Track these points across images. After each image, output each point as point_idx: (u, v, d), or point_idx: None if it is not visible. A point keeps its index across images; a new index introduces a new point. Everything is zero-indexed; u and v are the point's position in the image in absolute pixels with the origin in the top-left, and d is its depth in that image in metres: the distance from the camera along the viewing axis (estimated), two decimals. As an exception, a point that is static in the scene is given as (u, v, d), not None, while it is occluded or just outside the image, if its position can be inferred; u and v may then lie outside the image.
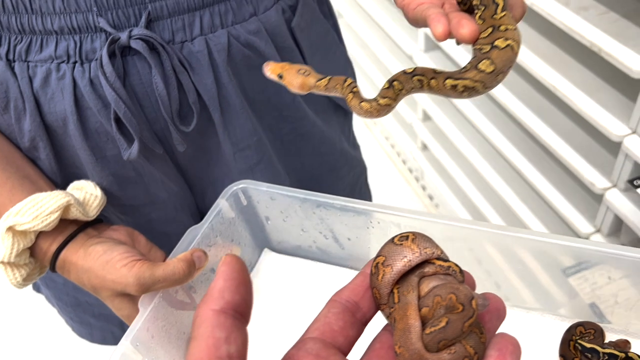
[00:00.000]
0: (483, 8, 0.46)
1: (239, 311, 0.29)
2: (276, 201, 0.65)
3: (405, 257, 0.36)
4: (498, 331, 0.35)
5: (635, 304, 0.59)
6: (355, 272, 0.67)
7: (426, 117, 1.77)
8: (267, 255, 0.73)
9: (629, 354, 0.56)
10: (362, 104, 0.49)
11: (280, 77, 0.52)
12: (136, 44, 0.57)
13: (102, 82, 0.57)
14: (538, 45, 1.20)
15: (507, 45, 0.44)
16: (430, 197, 1.89)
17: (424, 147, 1.85)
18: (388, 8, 1.81)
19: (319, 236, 0.67)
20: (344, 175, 0.84)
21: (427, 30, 1.55)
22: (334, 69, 0.77)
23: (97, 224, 0.63)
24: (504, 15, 0.46)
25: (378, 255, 0.37)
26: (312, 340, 0.34)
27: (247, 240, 0.69)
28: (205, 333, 0.28)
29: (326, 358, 0.33)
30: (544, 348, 0.60)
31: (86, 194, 0.63)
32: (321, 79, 0.51)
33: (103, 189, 0.65)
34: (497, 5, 0.46)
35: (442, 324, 0.33)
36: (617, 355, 0.55)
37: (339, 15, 2.22)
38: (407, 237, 0.37)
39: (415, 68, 0.48)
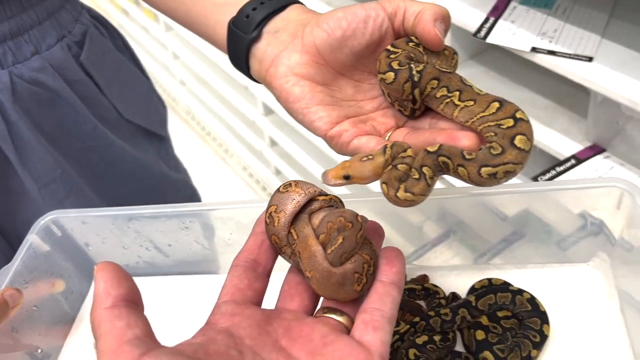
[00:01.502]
0: (458, 93, 0.44)
1: (130, 300, 0.32)
2: (89, 225, 0.67)
3: (294, 199, 0.42)
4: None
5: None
6: (186, 276, 0.71)
7: (273, 143, 1.85)
8: (98, 284, 0.73)
9: (425, 285, 0.64)
10: (383, 184, 0.43)
11: (348, 177, 0.44)
12: None
13: None
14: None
15: (528, 118, 0.42)
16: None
17: (277, 172, 1.93)
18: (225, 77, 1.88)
19: (141, 250, 0.69)
20: (171, 199, 0.87)
21: (265, 98, 1.68)
22: (136, 99, 0.81)
23: None
24: (485, 92, 0.44)
25: (270, 206, 0.42)
26: (224, 303, 0.39)
27: (71, 272, 0.70)
28: (106, 328, 0.31)
29: (241, 313, 0.37)
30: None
31: None
32: (384, 150, 0.44)
33: None
34: (471, 86, 0.44)
35: (340, 240, 0.39)
36: (415, 288, 0.63)
37: (182, 83, 2.28)
38: (290, 184, 0.43)
39: (441, 146, 0.43)
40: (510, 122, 0.42)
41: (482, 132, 0.43)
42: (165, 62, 2.29)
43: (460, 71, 1.27)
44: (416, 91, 0.46)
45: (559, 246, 0.63)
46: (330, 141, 0.49)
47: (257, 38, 0.50)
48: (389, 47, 0.48)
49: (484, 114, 0.43)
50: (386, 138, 0.49)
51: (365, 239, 0.40)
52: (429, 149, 0.43)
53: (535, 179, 0.90)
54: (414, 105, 0.47)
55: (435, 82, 0.45)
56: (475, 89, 0.45)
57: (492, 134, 0.43)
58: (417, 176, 0.43)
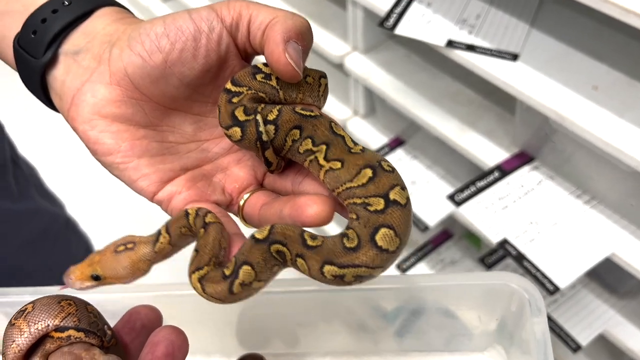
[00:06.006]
0: (325, 147, 0.32)
1: None
2: None
3: (14, 341, 0.32)
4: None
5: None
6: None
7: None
8: None
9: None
10: (195, 251, 0.33)
11: (98, 278, 0.34)
12: None
13: None
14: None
15: (407, 200, 0.31)
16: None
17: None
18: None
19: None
20: (14, 235, 0.72)
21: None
22: None
23: None
24: (361, 147, 0.33)
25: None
26: None
27: None
28: None
29: None
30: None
31: None
32: (156, 239, 0.34)
33: None
34: (343, 137, 0.33)
35: None
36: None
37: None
38: (24, 310, 0.32)
39: (273, 227, 0.32)
40: (381, 203, 0.30)
41: (348, 209, 0.32)
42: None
43: (378, 55, 1.07)
44: (268, 153, 0.33)
45: (456, 333, 0.51)
46: (160, 206, 0.36)
47: (52, 62, 0.35)
48: (228, 84, 0.34)
49: (352, 184, 0.31)
50: (241, 203, 0.36)
51: None
52: (257, 234, 0.32)
53: (452, 197, 0.78)
54: (269, 167, 0.34)
55: (297, 132, 0.33)
56: (348, 140, 0.33)
57: (355, 215, 0.31)
58: (228, 272, 0.32)
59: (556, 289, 0.67)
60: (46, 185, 0.84)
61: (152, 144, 0.35)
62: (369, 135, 1.01)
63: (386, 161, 0.32)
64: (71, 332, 0.32)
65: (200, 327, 0.52)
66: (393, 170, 0.32)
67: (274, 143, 0.33)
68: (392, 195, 0.30)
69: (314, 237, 0.31)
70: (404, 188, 0.31)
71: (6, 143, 0.74)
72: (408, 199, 0.31)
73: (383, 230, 0.30)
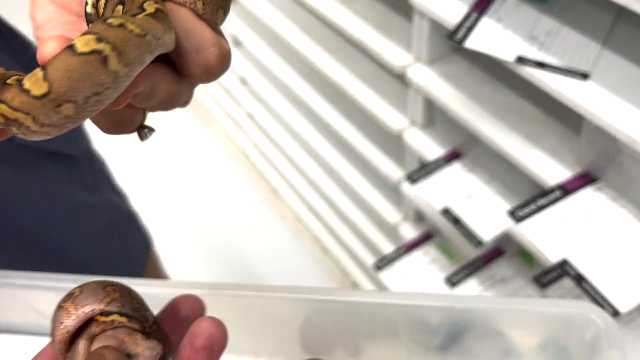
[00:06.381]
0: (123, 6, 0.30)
1: None
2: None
3: (62, 323, 0.33)
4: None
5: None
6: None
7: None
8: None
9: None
10: None
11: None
12: None
13: None
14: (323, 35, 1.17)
15: (93, 52, 0.25)
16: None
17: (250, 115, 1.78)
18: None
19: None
20: (90, 222, 0.75)
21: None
22: None
23: None
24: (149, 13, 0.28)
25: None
26: None
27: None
28: None
29: None
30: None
31: None
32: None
33: None
34: (144, 11, 0.28)
35: None
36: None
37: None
38: (71, 294, 0.34)
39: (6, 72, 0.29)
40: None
41: None
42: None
43: (441, 67, 1.07)
44: None
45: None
46: None
47: None
48: None
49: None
50: None
51: None
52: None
53: (512, 213, 0.77)
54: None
55: (120, 8, 0.30)
56: (148, 5, 0.28)
57: None
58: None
59: (616, 313, 0.66)
60: (113, 178, 0.88)
61: (74, 32, 0.34)
62: (425, 146, 1.01)
63: (136, 26, 0.26)
64: (115, 317, 0.34)
65: (263, 329, 0.54)
66: (123, 26, 0.26)
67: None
68: (78, 44, 0.25)
69: (20, 75, 0.28)
70: (101, 40, 0.25)
71: (84, 137, 0.77)
72: (96, 50, 0.25)
73: (36, 71, 0.25)
